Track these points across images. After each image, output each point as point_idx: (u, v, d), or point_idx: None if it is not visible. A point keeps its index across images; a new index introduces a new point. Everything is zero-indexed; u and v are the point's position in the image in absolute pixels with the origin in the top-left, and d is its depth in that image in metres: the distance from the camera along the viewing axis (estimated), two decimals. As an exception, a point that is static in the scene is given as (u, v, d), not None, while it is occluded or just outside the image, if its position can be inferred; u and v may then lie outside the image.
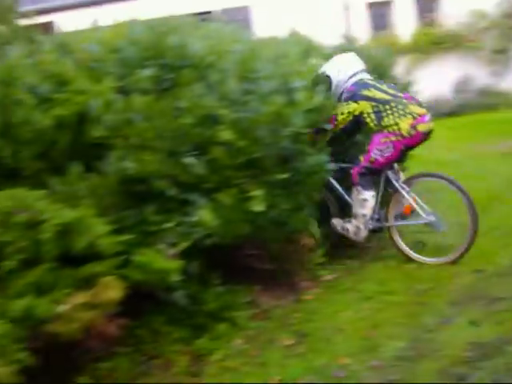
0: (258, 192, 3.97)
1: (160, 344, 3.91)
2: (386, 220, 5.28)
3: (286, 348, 3.90)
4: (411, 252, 5.23)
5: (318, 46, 6.52)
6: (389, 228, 5.30)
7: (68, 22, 5.95)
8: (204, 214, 3.83)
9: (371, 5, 17.78)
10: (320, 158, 4.63)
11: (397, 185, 5.20)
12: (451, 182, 5.05)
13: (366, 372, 3.51)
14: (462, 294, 4.40)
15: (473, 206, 4.90)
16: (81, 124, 4.03)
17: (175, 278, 3.52)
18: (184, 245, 3.77)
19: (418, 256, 5.19)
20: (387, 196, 5.33)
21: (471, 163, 8.94)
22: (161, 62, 4.38)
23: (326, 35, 7.09)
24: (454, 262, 4.99)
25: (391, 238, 5.31)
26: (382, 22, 17.74)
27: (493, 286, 4.43)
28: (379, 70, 6.35)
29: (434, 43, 17.40)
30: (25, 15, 8.53)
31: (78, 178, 3.74)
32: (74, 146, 4.03)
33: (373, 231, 5.32)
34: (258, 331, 4.13)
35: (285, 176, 4.21)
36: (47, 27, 11.09)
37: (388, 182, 5.26)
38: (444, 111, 15.43)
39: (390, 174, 5.24)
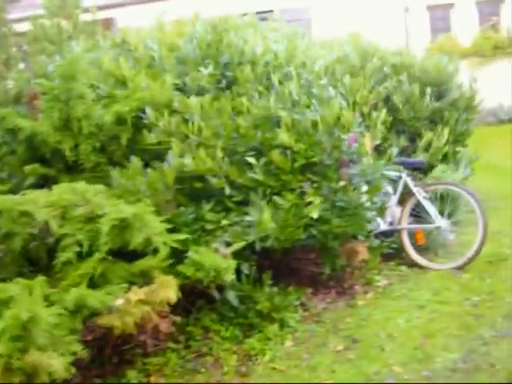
0: (315, 199, 3.94)
1: (210, 342, 3.92)
2: (399, 223, 5.30)
3: (337, 353, 3.85)
4: (418, 257, 5.25)
5: (377, 49, 6.48)
6: (400, 231, 5.31)
7: (129, 18, 6.00)
8: (262, 215, 3.82)
9: (431, 7, 17.49)
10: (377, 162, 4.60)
11: (414, 189, 5.25)
12: (464, 189, 5.24)
13: (417, 382, 3.43)
14: (520, 307, 4.28)
15: (484, 215, 4.98)
16: (139, 121, 4.09)
17: (228, 277, 3.52)
18: (239, 244, 3.77)
19: (425, 261, 5.24)
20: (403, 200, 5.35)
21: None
22: (219, 61, 4.40)
23: (385, 37, 7.00)
24: (460, 268, 5.04)
25: (401, 241, 5.30)
26: (442, 25, 17.43)
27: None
28: (442, 79, 6.25)
29: (495, 47, 16.99)
30: (87, 11, 8.66)
31: (137, 172, 3.78)
32: (133, 142, 4.09)
33: (383, 234, 5.28)
34: (308, 334, 4.10)
35: (344, 183, 4.20)
36: (108, 23, 11.27)
37: (405, 186, 5.29)
38: (505, 117, 15.18)
39: (408, 178, 5.28)
